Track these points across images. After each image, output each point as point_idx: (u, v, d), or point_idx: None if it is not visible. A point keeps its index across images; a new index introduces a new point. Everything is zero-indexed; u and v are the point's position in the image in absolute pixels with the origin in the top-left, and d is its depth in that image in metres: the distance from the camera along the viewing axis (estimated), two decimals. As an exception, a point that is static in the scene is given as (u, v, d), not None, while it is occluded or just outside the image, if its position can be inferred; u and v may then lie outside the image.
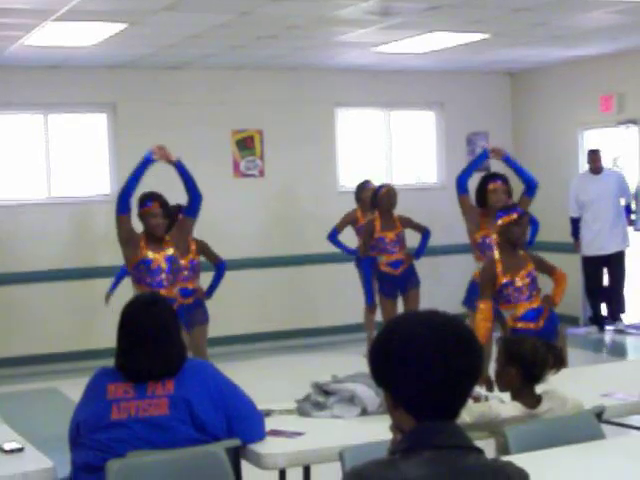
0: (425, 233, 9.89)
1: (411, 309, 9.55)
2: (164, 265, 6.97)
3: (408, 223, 9.82)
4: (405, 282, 9.69)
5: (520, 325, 6.38)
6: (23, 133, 11.29)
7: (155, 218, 6.97)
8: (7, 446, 4.19)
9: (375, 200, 9.72)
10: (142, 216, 7.05)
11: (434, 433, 2.23)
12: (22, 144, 11.26)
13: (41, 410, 9.25)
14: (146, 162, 7.04)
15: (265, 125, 12.06)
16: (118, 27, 8.71)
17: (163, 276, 6.96)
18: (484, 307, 6.37)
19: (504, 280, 6.37)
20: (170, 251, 7.06)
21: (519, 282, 6.37)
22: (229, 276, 8.60)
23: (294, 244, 12.17)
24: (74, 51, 9.94)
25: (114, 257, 10.12)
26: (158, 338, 4.05)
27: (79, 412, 4.08)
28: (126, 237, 6.97)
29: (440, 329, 2.27)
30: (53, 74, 11.01)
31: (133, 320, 4.12)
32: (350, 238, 10.65)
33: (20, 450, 4.18)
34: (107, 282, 9.07)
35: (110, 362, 4.14)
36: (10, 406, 9.04)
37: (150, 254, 6.96)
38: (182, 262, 7.61)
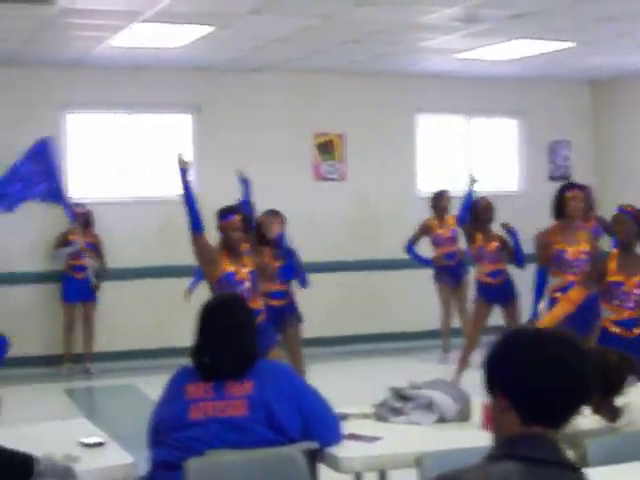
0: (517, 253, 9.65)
1: (512, 321, 9.41)
2: (247, 278, 6.90)
3: (504, 243, 9.55)
4: (504, 293, 9.50)
5: (614, 329, 6.23)
6: (108, 132, 11.42)
7: (237, 232, 6.89)
8: (88, 440, 4.20)
9: (475, 213, 9.64)
10: (223, 229, 6.94)
11: (528, 444, 2.22)
12: (108, 143, 11.40)
13: (118, 406, 9.36)
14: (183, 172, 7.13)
15: (346, 129, 12.09)
16: (205, 30, 8.80)
17: (245, 286, 6.84)
18: (577, 293, 6.35)
19: (614, 279, 6.19)
20: (251, 267, 6.98)
21: (629, 287, 6.18)
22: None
23: (373, 249, 12.16)
24: (160, 52, 10.06)
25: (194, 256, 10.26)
26: (230, 337, 4.08)
27: (159, 411, 4.12)
28: (208, 257, 6.91)
29: (561, 338, 2.31)
30: (139, 75, 11.16)
31: (208, 317, 4.17)
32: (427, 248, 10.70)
33: (101, 445, 4.19)
34: (186, 281, 9.15)
35: (187, 361, 4.18)
36: (89, 402, 9.18)
37: (232, 267, 6.87)
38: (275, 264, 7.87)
